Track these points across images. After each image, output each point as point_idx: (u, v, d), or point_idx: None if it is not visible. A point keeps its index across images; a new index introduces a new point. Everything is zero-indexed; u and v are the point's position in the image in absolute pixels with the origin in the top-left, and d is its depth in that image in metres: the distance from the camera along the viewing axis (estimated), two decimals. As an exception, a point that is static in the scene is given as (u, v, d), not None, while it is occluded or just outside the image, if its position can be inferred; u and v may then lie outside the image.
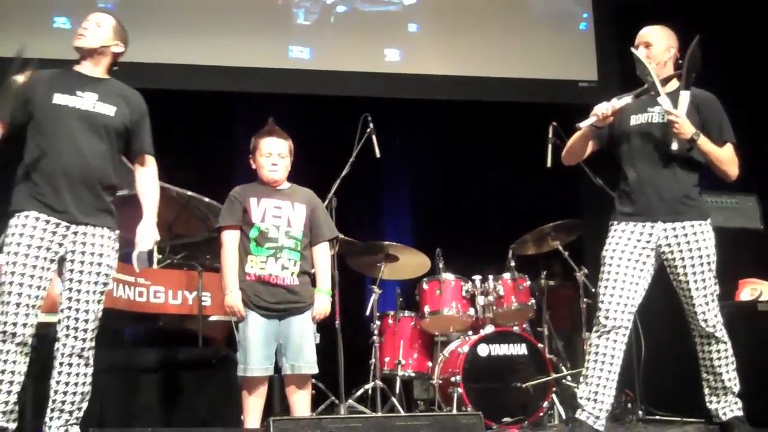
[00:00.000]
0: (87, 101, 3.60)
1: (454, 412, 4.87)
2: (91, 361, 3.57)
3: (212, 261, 4.86)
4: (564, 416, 5.00)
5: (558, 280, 6.03)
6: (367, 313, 5.45)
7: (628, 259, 3.94)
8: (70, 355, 3.52)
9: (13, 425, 3.42)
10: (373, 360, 5.31)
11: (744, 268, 4.94)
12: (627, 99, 3.99)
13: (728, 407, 3.96)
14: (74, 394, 3.53)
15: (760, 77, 6.43)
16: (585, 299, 5.34)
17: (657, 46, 4.04)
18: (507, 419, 4.90)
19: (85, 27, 3.70)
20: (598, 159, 4.37)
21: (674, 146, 3.87)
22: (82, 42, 3.68)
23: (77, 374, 3.53)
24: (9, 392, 3.38)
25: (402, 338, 5.52)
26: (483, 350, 5.09)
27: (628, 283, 3.92)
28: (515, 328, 5.26)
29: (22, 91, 3.52)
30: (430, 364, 5.51)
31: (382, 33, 7.06)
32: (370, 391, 5.26)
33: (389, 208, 7.54)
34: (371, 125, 5.34)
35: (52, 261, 3.49)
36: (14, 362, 3.39)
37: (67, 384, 3.51)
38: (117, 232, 3.66)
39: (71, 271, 3.53)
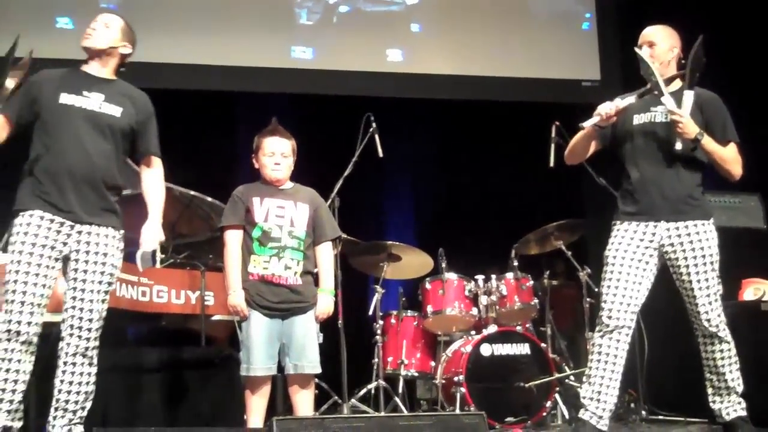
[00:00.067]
0: (93, 101, 3.60)
1: (457, 411, 4.87)
2: (95, 361, 3.57)
3: (215, 260, 4.86)
4: (567, 416, 5.00)
5: (561, 280, 6.03)
6: (370, 312, 5.45)
7: (631, 259, 3.93)
8: (74, 355, 3.52)
9: (18, 423, 3.42)
10: (376, 360, 5.31)
11: (747, 267, 4.94)
12: (630, 99, 3.99)
13: (731, 407, 3.95)
14: (78, 393, 3.53)
15: (762, 76, 6.42)
16: (588, 299, 5.33)
17: (661, 45, 4.03)
18: (510, 419, 4.90)
19: (93, 27, 3.70)
20: (600, 159, 4.37)
21: (678, 146, 3.86)
22: (90, 42, 3.68)
23: (81, 373, 3.53)
24: (14, 391, 3.38)
25: (405, 338, 5.52)
26: (486, 350, 5.09)
27: (631, 282, 3.92)
28: (518, 328, 5.26)
29: (26, 88, 3.53)
30: (433, 363, 5.51)
31: (384, 33, 7.06)
32: (372, 391, 5.27)
33: (392, 207, 7.54)
34: (374, 125, 5.34)
35: (56, 260, 3.50)
36: (19, 361, 3.39)
37: (71, 383, 3.52)
38: (122, 231, 3.66)
39: (75, 270, 3.53)
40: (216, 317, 4.90)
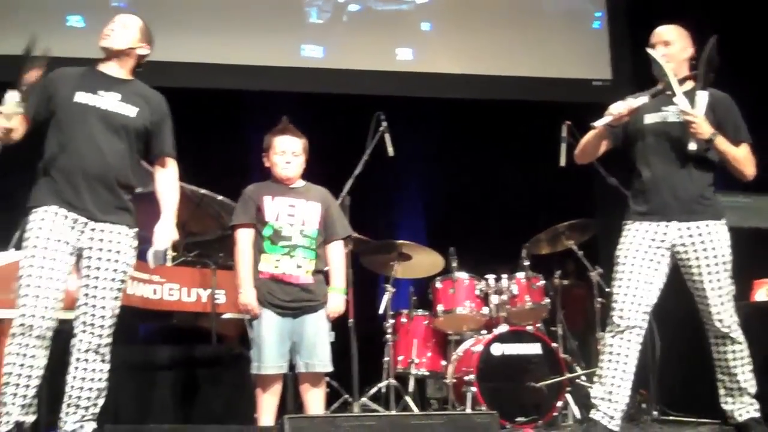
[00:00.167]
0: (108, 101, 3.61)
1: (469, 411, 4.86)
2: (108, 358, 3.58)
3: (225, 259, 4.86)
4: (578, 416, 4.98)
5: (572, 280, 6.02)
6: (381, 311, 5.45)
7: (642, 259, 3.92)
8: (87, 351, 3.53)
9: (31, 417, 3.43)
10: (387, 358, 5.31)
11: (759, 268, 4.91)
12: (643, 99, 3.97)
13: (744, 408, 3.94)
14: (90, 390, 3.54)
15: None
16: (599, 299, 5.32)
17: (676, 45, 4.02)
18: (521, 419, 4.89)
19: (111, 28, 3.70)
20: (611, 158, 4.36)
21: (692, 146, 3.85)
22: (109, 43, 3.68)
23: (93, 370, 3.54)
24: (27, 386, 3.39)
25: (415, 337, 5.51)
26: (497, 349, 5.08)
27: (642, 282, 3.90)
28: (529, 328, 5.25)
29: (42, 85, 3.53)
30: (443, 363, 5.50)
31: (394, 32, 7.06)
32: (383, 390, 5.26)
33: (402, 206, 7.54)
34: (384, 124, 5.33)
35: (70, 254, 3.50)
36: (33, 356, 3.39)
37: (83, 380, 3.52)
38: (135, 229, 3.67)
39: (89, 267, 3.54)
40: (227, 315, 4.89)
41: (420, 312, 5.62)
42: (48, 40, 5.93)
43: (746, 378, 3.92)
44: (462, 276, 5.48)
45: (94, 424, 3.57)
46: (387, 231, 6.64)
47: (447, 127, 7.27)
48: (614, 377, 3.90)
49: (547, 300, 5.42)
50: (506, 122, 7.00)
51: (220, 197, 4.87)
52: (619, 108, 3.94)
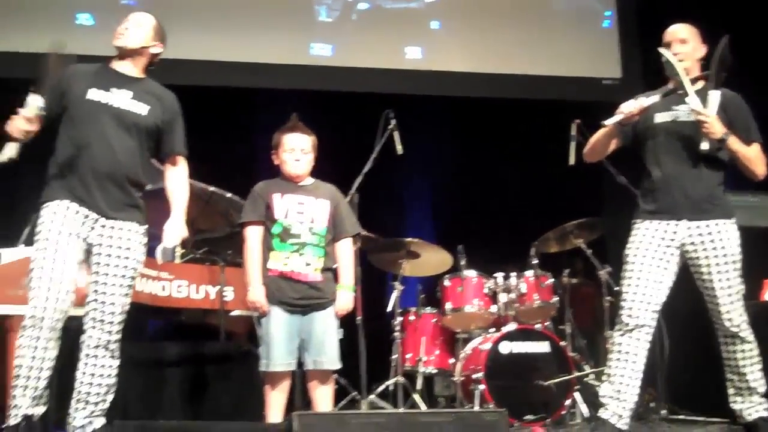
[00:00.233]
0: (120, 99, 3.62)
1: (477, 409, 4.86)
2: (117, 354, 3.59)
3: (234, 256, 4.86)
4: (586, 414, 4.97)
5: (580, 278, 6.01)
6: (389, 309, 5.45)
7: (651, 258, 3.91)
8: (96, 347, 3.54)
9: (42, 409, 3.44)
10: (395, 356, 5.31)
11: (768, 267, 4.91)
12: (655, 98, 3.96)
13: (753, 408, 3.93)
14: (100, 386, 3.55)
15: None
16: (608, 297, 5.31)
17: (691, 43, 4.01)
18: (529, 417, 4.89)
19: (125, 27, 3.70)
20: (621, 157, 4.35)
21: (704, 146, 3.84)
22: (123, 42, 3.69)
23: (103, 366, 3.55)
24: (38, 378, 3.39)
25: (423, 335, 5.52)
26: (505, 347, 5.08)
27: (651, 281, 3.90)
28: (537, 326, 5.25)
29: (57, 84, 3.55)
30: (451, 360, 5.50)
31: (404, 30, 7.05)
32: (391, 388, 5.26)
33: (411, 204, 7.54)
34: (393, 122, 5.33)
35: (81, 248, 3.52)
36: (45, 348, 3.39)
37: (92, 375, 3.53)
38: (145, 226, 3.68)
39: (99, 264, 3.55)
40: (235, 313, 4.90)
41: (428, 310, 5.62)
42: (57, 37, 5.97)
43: (755, 377, 3.91)
44: (470, 274, 5.48)
45: (103, 420, 3.58)
46: (395, 229, 6.64)
47: (455, 126, 7.27)
48: (623, 376, 3.89)
49: (556, 298, 5.42)
50: (515, 121, 6.99)
51: (228, 194, 4.87)
52: (630, 107, 3.93)
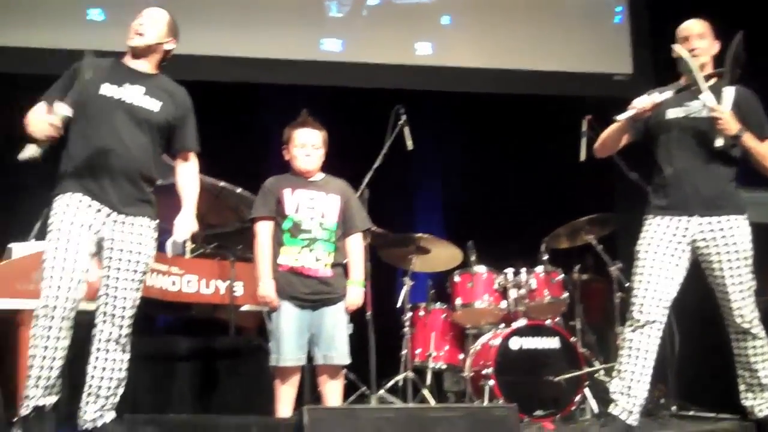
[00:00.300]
0: (133, 95, 3.63)
1: (487, 404, 4.85)
2: (128, 348, 3.61)
3: (244, 251, 4.87)
4: (596, 410, 4.96)
5: (591, 274, 5.99)
6: (399, 304, 5.45)
7: (663, 254, 3.91)
8: (108, 341, 3.56)
9: (54, 398, 3.45)
10: (404, 351, 5.31)
11: (780, 264, 4.88)
12: (668, 93, 3.95)
13: (764, 404, 3.93)
14: (110, 379, 3.57)
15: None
16: (619, 293, 5.30)
17: (707, 39, 3.99)
18: (539, 412, 4.88)
19: (140, 23, 3.70)
20: (631, 153, 4.34)
21: (718, 142, 3.82)
22: (139, 41, 3.69)
23: (114, 360, 3.57)
24: (51, 367, 3.41)
25: (433, 330, 5.52)
26: (515, 343, 5.08)
27: (662, 277, 3.89)
28: (548, 322, 5.24)
29: (69, 76, 3.59)
30: (461, 356, 5.50)
31: (414, 25, 7.02)
32: (400, 383, 5.27)
33: (421, 200, 7.53)
34: (403, 117, 5.33)
35: (93, 241, 3.53)
36: (57, 338, 3.40)
37: (103, 369, 3.55)
38: (156, 221, 3.69)
39: (110, 258, 3.57)
40: (245, 307, 4.91)
41: (438, 305, 5.63)
42: (68, 33, 6.00)
43: (767, 374, 3.90)
44: (480, 270, 5.48)
45: (113, 414, 3.60)
46: (405, 224, 6.64)
47: (466, 121, 7.25)
48: (633, 372, 3.89)
49: (566, 294, 5.41)
50: (526, 116, 6.98)
51: (239, 190, 4.88)
52: (642, 102, 3.93)
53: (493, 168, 7.20)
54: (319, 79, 6.73)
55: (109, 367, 3.56)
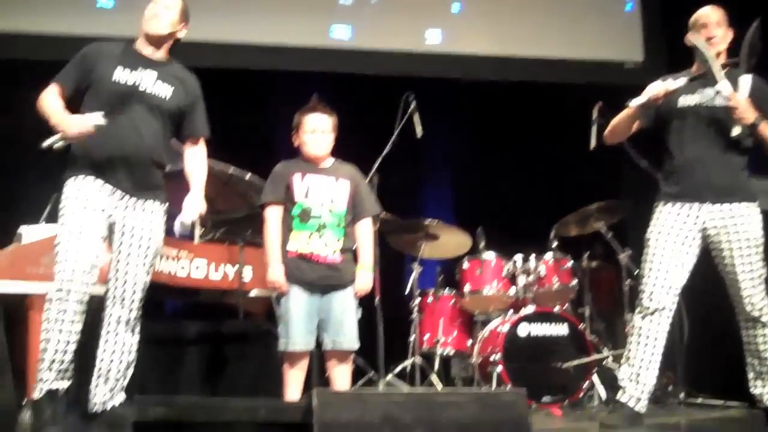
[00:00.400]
0: (146, 81, 3.64)
1: (496, 389, 4.86)
2: (138, 330, 3.62)
3: (253, 236, 4.87)
4: (604, 397, 4.97)
5: (600, 262, 5.98)
6: (407, 290, 5.46)
7: (673, 242, 3.90)
8: (117, 324, 3.58)
9: (66, 383, 3.46)
10: (413, 337, 5.32)
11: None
12: (681, 80, 3.93)
13: (774, 392, 3.91)
14: (120, 362, 3.59)
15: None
16: (628, 281, 5.29)
17: (723, 27, 3.97)
18: (547, 399, 4.89)
19: (154, 12, 3.68)
20: (643, 140, 4.33)
21: (735, 131, 3.81)
22: (156, 29, 3.68)
23: (124, 342, 3.59)
24: (65, 351, 3.42)
25: (441, 316, 5.54)
26: (523, 330, 5.09)
27: (672, 265, 3.89)
28: (556, 309, 5.24)
29: (81, 60, 3.59)
30: (469, 342, 5.52)
31: (424, 13, 7.00)
32: (408, 368, 5.28)
33: (430, 187, 7.53)
34: (413, 104, 5.32)
35: (105, 225, 3.54)
36: (72, 321, 3.41)
37: (113, 352, 3.57)
38: (166, 205, 3.71)
39: (122, 242, 3.59)
40: (254, 292, 4.92)
41: (446, 292, 5.64)
42: (78, 19, 5.99)
43: (776, 362, 3.89)
44: (489, 256, 5.49)
45: (123, 396, 3.61)
46: (414, 210, 6.64)
47: (475, 109, 7.23)
48: (642, 359, 3.89)
49: (575, 281, 5.42)
50: (536, 104, 6.95)
51: (248, 176, 4.87)
52: (656, 88, 3.91)
53: (502, 155, 7.19)
54: (328, 66, 6.72)
55: (119, 350, 3.58)
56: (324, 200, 3.87)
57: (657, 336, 3.89)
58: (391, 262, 5.69)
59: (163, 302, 5.48)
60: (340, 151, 4.04)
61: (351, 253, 3.95)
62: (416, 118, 5.31)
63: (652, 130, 4.11)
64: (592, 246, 5.86)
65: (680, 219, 3.91)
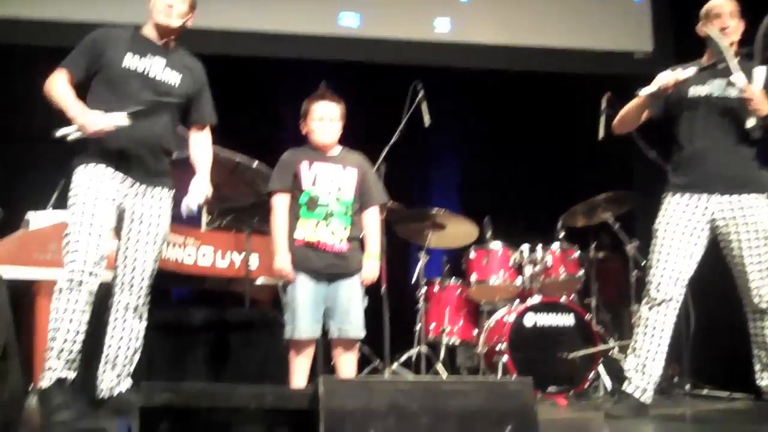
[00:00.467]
0: (155, 68, 3.65)
1: (502, 378, 4.86)
2: (145, 317, 3.63)
3: (260, 224, 4.87)
4: (610, 388, 4.97)
5: (607, 252, 5.97)
6: (414, 279, 5.46)
7: (681, 233, 3.89)
8: (125, 310, 3.59)
9: (73, 374, 3.47)
10: (419, 326, 5.32)
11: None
12: (691, 70, 3.92)
13: (780, 384, 3.91)
14: (128, 348, 3.61)
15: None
16: (635, 272, 5.28)
17: (736, 18, 3.95)
18: (552, 389, 4.89)
19: (169, 4, 3.66)
20: (651, 131, 4.31)
21: (750, 123, 3.80)
22: (168, 22, 3.67)
23: (131, 329, 3.61)
24: (74, 341, 3.43)
25: (448, 305, 5.54)
26: (529, 320, 5.09)
27: (680, 256, 3.88)
28: (562, 299, 5.23)
29: (90, 45, 3.59)
30: (475, 332, 5.52)
31: (433, 1, 6.98)
32: (414, 357, 5.28)
33: (437, 176, 7.52)
34: (421, 93, 5.30)
35: (115, 214, 3.56)
36: (83, 311, 3.43)
37: (120, 339, 3.59)
38: (173, 191, 3.72)
39: (131, 229, 3.60)
40: (260, 280, 4.92)
41: (453, 281, 5.64)
42: (83, 6, 5.97)
43: (783, 354, 3.89)
44: (496, 246, 5.49)
45: (130, 381, 3.63)
46: (421, 199, 6.64)
47: (483, 98, 7.22)
48: (648, 350, 3.89)
49: (582, 272, 5.41)
50: (544, 94, 6.94)
51: (255, 164, 4.87)
52: (666, 78, 3.89)
53: (510, 145, 7.17)
54: (336, 54, 6.71)
55: (126, 336, 3.60)
56: (331, 188, 3.86)
57: (663, 327, 3.89)
58: (398, 251, 5.69)
59: (169, 289, 5.48)
60: (347, 139, 4.03)
61: (358, 242, 3.94)
62: (424, 107, 5.29)
63: (661, 120, 4.10)
64: (600, 236, 5.85)
65: (689, 210, 3.90)
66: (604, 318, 5.57)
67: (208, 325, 4.59)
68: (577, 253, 5.41)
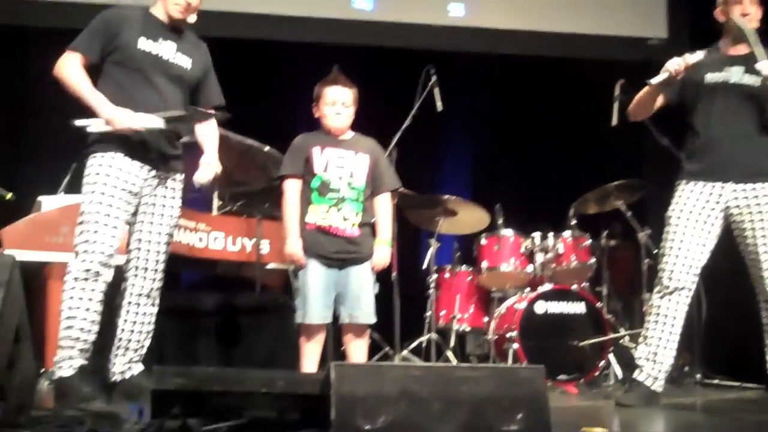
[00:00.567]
0: (168, 51, 3.64)
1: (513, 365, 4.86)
2: (157, 302, 3.64)
3: (271, 209, 4.87)
4: (620, 376, 4.96)
5: (619, 240, 5.95)
6: (424, 266, 5.45)
7: (695, 220, 3.86)
8: (139, 295, 3.60)
9: (85, 362, 3.48)
10: (429, 313, 5.32)
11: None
12: (700, 54, 3.88)
13: (792, 375, 3.89)
14: (140, 333, 3.62)
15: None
16: (647, 260, 5.26)
17: (756, 5, 3.90)
18: (563, 377, 4.88)
19: (189, 2, 3.63)
20: (664, 118, 4.28)
21: None
22: (180, 15, 3.64)
23: (144, 314, 3.62)
24: (89, 331, 3.45)
25: (458, 292, 5.53)
26: (540, 307, 5.08)
27: (693, 244, 3.85)
28: (574, 287, 5.22)
29: (104, 27, 3.57)
30: (485, 319, 5.51)
31: (447, -15, 6.96)
32: (424, 344, 5.28)
33: (449, 162, 7.49)
34: (434, 78, 5.28)
35: (132, 204, 3.56)
36: (99, 302, 3.45)
37: (134, 323, 3.60)
38: (183, 175, 3.72)
39: (144, 213, 3.60)
40: (271, 265, 4.92)
41: (463, 268, 5.63)
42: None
43: (796, 344, 3.87)
44: (507, 233, 5.47)
45: (141, 366, 3.64)
46: (433, 186, 6.62)
47: (497, 83, 7.19)
48: (660, 338, 3.88)
49: (593, 260, 5.39)
50: (557, 80, 6.90)
51: (266, 148, 4.86)
52: (674, 65, 3.86)
53: (522, 131, 7.14)
54: (349, 38, 6.69)
55: (139, 321, 3.61)
56: (343, 174, 3.84)
57: (675, 315, 3.87)
58: (409, 238, 5.68)
59: (180, 274, 5.49)
60: (359, 124, 4.01)
61: (369, 228, 3.92)
62: (437, 92, 5.27)
63: (676, 106, 4.06)
64: (611, 224, 5.82)
65: (702, 198, 3.87)
66: (615, 306, 5.55)
67: (218, 310, 4.60)
68: (588, 241, 5.40)
